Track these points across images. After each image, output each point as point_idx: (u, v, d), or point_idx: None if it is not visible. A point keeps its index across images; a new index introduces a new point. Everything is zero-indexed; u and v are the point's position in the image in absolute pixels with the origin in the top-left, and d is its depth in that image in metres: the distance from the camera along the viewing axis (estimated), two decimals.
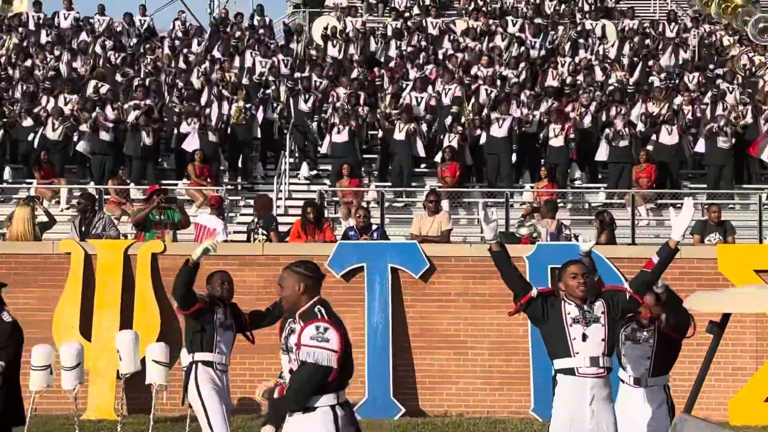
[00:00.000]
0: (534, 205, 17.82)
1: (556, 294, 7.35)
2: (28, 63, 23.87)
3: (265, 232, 14.40)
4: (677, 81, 23.25)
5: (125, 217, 17.35)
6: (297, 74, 23.68)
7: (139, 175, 19.84)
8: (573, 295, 7.28)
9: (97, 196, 16.54)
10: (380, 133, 21.05)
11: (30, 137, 20.50)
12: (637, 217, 18.57)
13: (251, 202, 19.12)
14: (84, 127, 20.34)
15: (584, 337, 7.15)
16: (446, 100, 21.63)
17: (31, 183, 20.01)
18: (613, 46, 25.53)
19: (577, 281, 7.27)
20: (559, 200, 18.46)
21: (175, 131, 20.71)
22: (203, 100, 21.83)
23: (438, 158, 19.92)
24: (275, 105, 21.87)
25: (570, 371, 7.19)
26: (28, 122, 20.83)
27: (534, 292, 7.35)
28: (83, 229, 14.22)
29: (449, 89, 21.74)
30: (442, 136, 20.62)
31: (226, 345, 9.09)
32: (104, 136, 20.17)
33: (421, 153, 20.43)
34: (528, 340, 13.14)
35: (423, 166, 21.20)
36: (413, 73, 23.19)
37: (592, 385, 7.16)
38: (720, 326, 5.08)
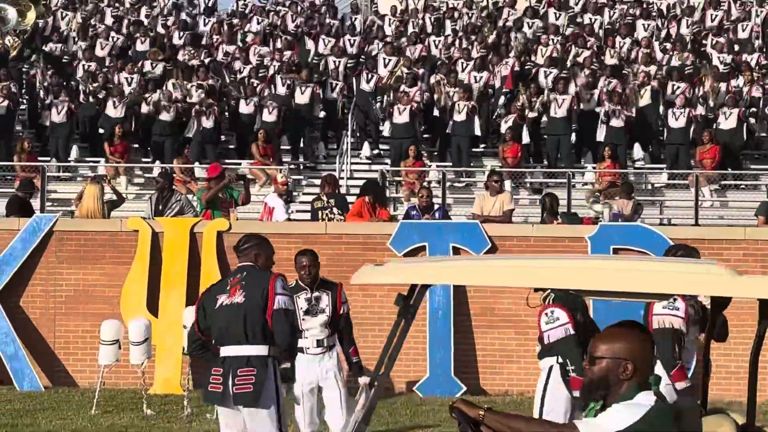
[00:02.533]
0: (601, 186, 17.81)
1: None
2: (91, 42, 24.19)
3: (340, 211, 14.46)
4: (739, 60, 22.97)
5: (190, 195, 17.61)
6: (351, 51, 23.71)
7: (200, 155, 20.10)
8: None
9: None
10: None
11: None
12: (700, 198, 18.45)
13: (313, 181, 19.29)
14: (144, 108, 20.66)
15: None
16: (498, 83, 21.61)
17: (98, 162, 20.36)
18: (674, 24, 25.25)
19: None
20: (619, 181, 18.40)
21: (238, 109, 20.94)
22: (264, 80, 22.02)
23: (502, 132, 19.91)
24: (336, 84, 21.97)
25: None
26: (92, 99, 21.17)
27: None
28: (159, 207, 14.45)
29: (505, 76, 21.70)
30: (500, 117, 20.63)
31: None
32: (165, 116, 20.44)
33: (478, 132, 20.44)
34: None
35: (482, 146, 21.24)
36: (474, 53, 23.16)
37: None
38: (406, 299, 4.91)
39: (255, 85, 21.34)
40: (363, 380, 7.57)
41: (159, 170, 19.31)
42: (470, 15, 25.66)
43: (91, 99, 21.19)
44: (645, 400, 4.37)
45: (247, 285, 7.42)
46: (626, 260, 4.96)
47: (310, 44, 24.23)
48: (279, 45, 23.82)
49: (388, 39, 24.05)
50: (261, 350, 7.28)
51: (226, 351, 7.31)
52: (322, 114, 21.49)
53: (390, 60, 22.49)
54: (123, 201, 15.71)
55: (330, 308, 8.95)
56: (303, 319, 8.79)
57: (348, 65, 22.58)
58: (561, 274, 4.58)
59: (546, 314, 7.92)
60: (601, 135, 20.12)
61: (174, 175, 18.09)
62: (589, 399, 4.49)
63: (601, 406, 4.46)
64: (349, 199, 17.27)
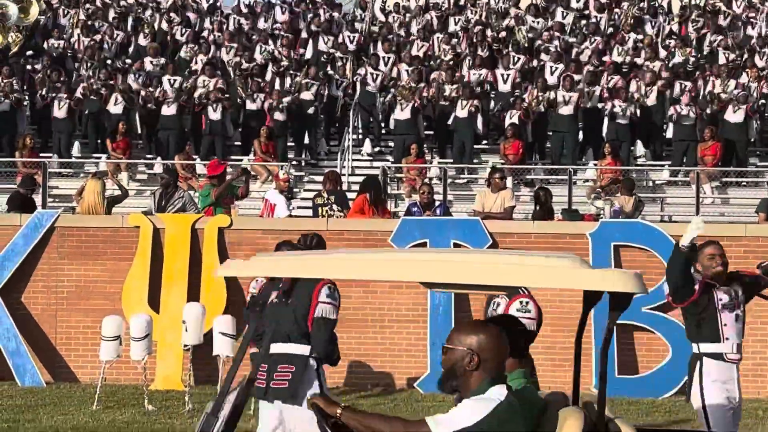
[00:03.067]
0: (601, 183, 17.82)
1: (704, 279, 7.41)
2: (97, 38, 24.20)
3: (340, 208, 14.49)
4: (745, 58, 22.97)
5: (192, 192, 17.63)
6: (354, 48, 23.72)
7: (208, 151, 20.14)
8: (710, 276, 7.37)
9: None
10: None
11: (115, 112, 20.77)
12: (701, 195, 18.46)
13: (315, 178, 19.31)
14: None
15: (735, 320, 7.34)
16: (506, 87, 21.59)
17: (99, 158, 20.39)
18: (678, 22, 25.26)
19: (714, 261, 7.38)
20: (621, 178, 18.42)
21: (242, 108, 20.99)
22: (268, 76, 22.04)
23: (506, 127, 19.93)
24: (339, 82, 21.99)
25: (718, 356, 7.36)
26: (95, 96, 21.20)
27: (697, 288, 7.38)
28: (162, 203, 14.46)
29: (508, 74, 21.70)
30: (503, 114, 20.65)
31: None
32: (166, 111, 20.47)
33: (480, 129, 20.46)
34: (590, 317, 13.15)
35: (484, 142, 21.26)
36: (479, 50, 23.16)
37: (735, 370, 7.40)
38: (286, 293, 5.01)
39: (260, 82, 21.35)
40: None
41: (161, 166, 19.36)
42: (475, 12, 25.65)
43: (92, 96, 21.20)
44: (496, 394, 4.40)
45: (299, 286, 7.48)
46: (486, 254, 5.04)
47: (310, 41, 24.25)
48: (284, 42, 23.82)
49: (390, 37, 24.05)
50: (303, 350, 7.38)
51: (273, 348, 7.44)
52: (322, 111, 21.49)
53: (389, 57, 22.50)
54: (126, 195, 15.72)
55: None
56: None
57: (352, 62, 22.60)
58: (421, 267, 4.61)
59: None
60: (605, 131, 20.14)
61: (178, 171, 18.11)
62: (443, 390, 4.53)
63: (457, 399, 4.48)
64: (350, 195, 17.30)
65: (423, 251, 5.42)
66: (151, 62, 22.65)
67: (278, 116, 20.42)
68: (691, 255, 7.41)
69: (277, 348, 7.42)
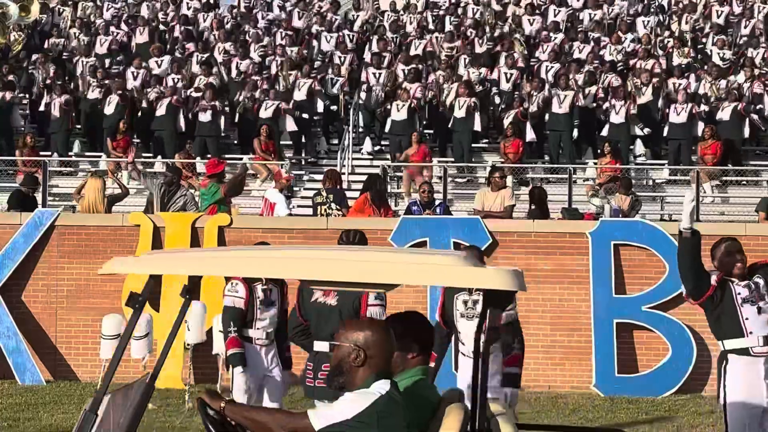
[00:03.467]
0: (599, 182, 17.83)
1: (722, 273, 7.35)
2: (89, 38, 24.20)
3: (338, 206, 14.52)
4: (741, 57, 22.97)
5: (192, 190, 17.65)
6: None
7: (202, 150, 20.15)
8: (730, 273, 7.30)
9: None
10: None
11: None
12: (701, 194, 18.47)
13: (315, 176, 19.32)
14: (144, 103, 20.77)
15: (758, 313, 7.23)
16: (508, 85, 21.61)
17: (99, 156, 20.40)
18: (675, 20, 25.25)
19: (733, 258, 7.33)
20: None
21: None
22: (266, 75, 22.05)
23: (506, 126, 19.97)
24: (336, 80, 21.98)
25: (744, 351, 7.24)
26: (94, 95, 21.20)
27: (714, 282, 7.32)
28: (165, 200, 14.46)
29: (511, 73, 21.71)
30: (501, 112, 20.67)
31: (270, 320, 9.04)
32: (160, 111, 20.47)
33: (478, 128, 20.48)
34: (590, 315, 13.18)
35: (484, 141, 21.26)
36: (477, 48, 23.16)
37: (764, 362, 7.25)
38: (188, 291, 5.03)
39: (255, 81, 21.36)
40: (287, 374, 9.04)
41: (161, 165, 19.37)
42: (474, 11, 25.65)
43: (89, 95, 21.21)
44: (378, 388, 4.44)
45: None
46: (370, 251, 5.08)
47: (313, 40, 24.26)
48: (279, 41, 23.81)
49: (387, 36, 24.06)
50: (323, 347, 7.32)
51: (317, 346, 7.43)
52: (320, 109, 21.47)
53: (386, 56, 22.51)
54: (127, 194, 15.71)
55: (279, 302, 9.05)
56: (259, 309, 8.92)
57: (351, 62, 22.60)
58: (302, 265, 4.67)
59: None
60: (604, 130, 20.17)
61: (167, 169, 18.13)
62: (330, 387, 4.57)
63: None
64: (350, 194, 17.31)
65: (312, 249, 5.47)
66: (157, 62, 22.64)
67: (263, 113, 20.33)
68: (695, 240, 7.30)
69: (321, 347, 7.37)
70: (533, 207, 14.61)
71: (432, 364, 7.35)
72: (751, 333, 7.19)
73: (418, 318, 5.11)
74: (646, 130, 20.38)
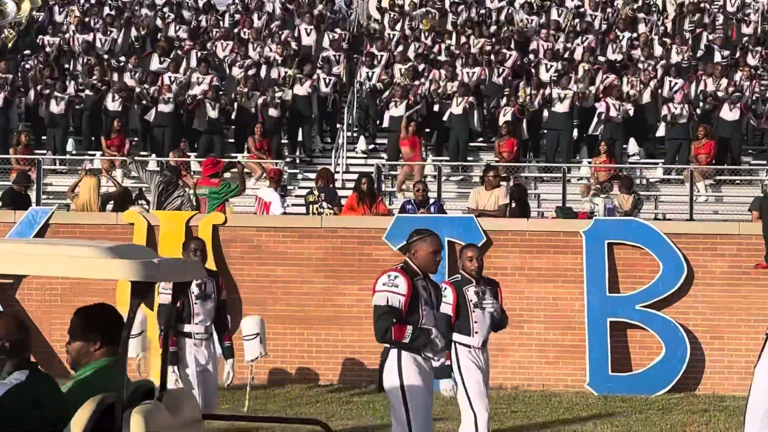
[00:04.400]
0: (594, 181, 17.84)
1: None
2: (89, 36, 24.18)
3: (330, 205, 14.55)
4: (738, 56, 22.99)
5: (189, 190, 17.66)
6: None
7: (206, 149, 20.16)
8: None
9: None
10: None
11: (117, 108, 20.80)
12: (695, 193, 18.50)
13: (309, 175, 19.33)
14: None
15: None
16: (499, 80, 21.62)
17: (94, 155, 20.38)
18: (672, 20, 25.27)
19: None
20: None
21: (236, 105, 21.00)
22: (262, 74, 22.04)
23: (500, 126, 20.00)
24: (331, 80, 21.96)
25: None
26: (90, 93, 21.19)
27: None
28: (162, 199, 14.46)
29: (503, 69, 21.72)
30: (497, 111, 20.68)
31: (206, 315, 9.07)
32: (163, 108, 20.48)
33: (477, 127, 20.49)
34: (584, 314, 13.20)
35: (480, 140, 21.28)
36: (473, 48, 23.17)
37: None
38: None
39: (256, 80, 21.36)
40: (230, 363, 9.25)
41: (155, 163, 19.35)
42: (471, 10, 25.66)
43: (88, 93, 21.19)
44: (15, 378, 4.67)
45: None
46: (15, 243, 5.23)
47: (305, 37, 24.21)
48: (277, 40, 23.80)
49: (385, 35, 24.06)
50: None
51: None
52: (315, 109, 21.49)
53: (382, 55, 22.51)
54: (123, 191, 15.68)
55: (215, 295, 9.14)
56: (195, 303, 8.97)
57: (350, 59, 22.62)
58: None
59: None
60: (598, 130, 20.20)
61: (162, 167, 18.14)
62: None
63: None
64: (346, 193, 17.32)
65: None
66: (160, 61, 22.64)
67: (272, 112, 20.42)
68: None
69: None
70: (513, 206, 14.64)
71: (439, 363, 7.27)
72: None
73: (104, 310, 5.21)
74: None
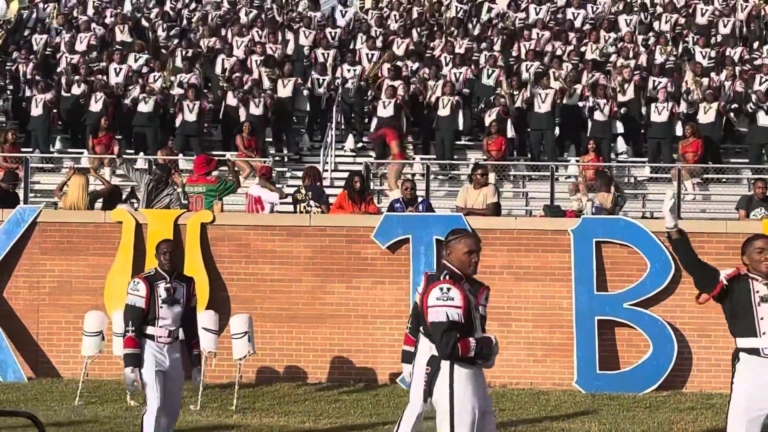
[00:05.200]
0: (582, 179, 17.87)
1: (741, 271, 7.16)
2: (72, 35, 24.10)
3: (317, 204, 14.56)
4: (722, 55, 23.05)
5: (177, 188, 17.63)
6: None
7: (185, 147, 20.14)
8: (758, 271, 7.09)
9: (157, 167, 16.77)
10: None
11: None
12: (683, 191, 18.56)
13: (297, 173, 19.32)
14: (127, 100, 20.74)
15: (765, 313, 7.01)
16: (489, 81, 21.65)
17: (81, 153, 20.34)
18: (656, 19, 25.33)
19: (763, 256, 7.09)
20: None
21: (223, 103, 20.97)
22: (250, 72, 22.02)
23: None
24: (320, 78, 21.96)
25: (754, 351, 7.06)
26: (75, 91, 21.13)
27: (723, 279, 7.14)
28: (151, 197, 14.44)
29: (492, 71, 21.75)
30: (484, 111, 20.72)
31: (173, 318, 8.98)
32: (143, 107, 20.44)
33: (461, 126, 20.53)
34: (572, 313, 13.23)
35: (467, 139, 21.31)
36: (457, 47, 23.19)
37: None
38: None
39: (241, 77, 21.34)
40: (197, 370, 9.25)
41: (143, 162, 19.32)
42: (458, 9, 25.68)
43: (72, 91, 21.14)
44: None
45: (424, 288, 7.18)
46: None
47: (289, 36, 24.19)
48: (257, 38, 23.76)
49: (372, 33, 24.06)
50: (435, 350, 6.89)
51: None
52: (307, 107, 21.48)
53: (373, 54, 22.53)
54: (111, 188, 15.64)
55: (184, 300, 9.05)
56: (161, 307, 8.88)
57: (335, 58, 22.59)
58: None
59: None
60: (586, 129, 20.27)
61: (150, 166, 18.12)
62: None
63: None
64: (335, 191, 17.32)
65: None
66: (135, 58, 22.59)
67: (254, 110, 20.38)
68: (683, 237, 7.26)
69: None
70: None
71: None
72: (764, 334, 7.00)
73: None
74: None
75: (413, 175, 18.96)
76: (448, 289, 6.66)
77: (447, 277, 6.76)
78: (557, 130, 20.68)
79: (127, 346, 8.82)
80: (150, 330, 8.87)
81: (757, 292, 7.07)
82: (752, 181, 17.14)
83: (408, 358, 8.91)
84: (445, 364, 6.73)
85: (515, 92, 20.65)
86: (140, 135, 20.47)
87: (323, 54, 22.75)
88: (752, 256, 7.15)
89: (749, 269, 7.17)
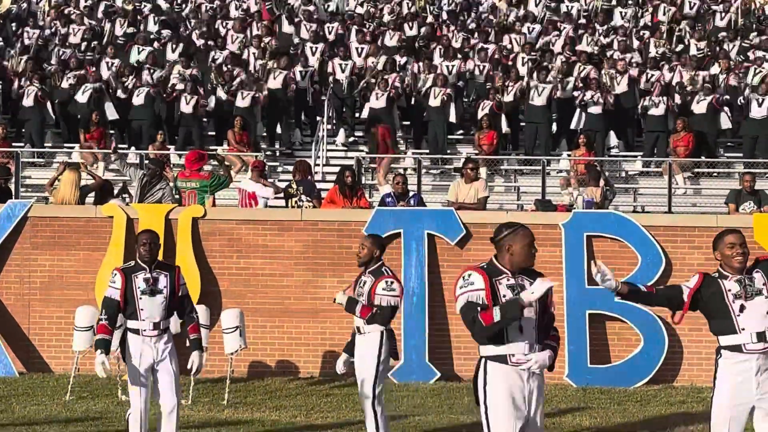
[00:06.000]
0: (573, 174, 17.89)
1: (711, 273, 7.12)
2: (65, 28, 24.06)
3: (308, 198, 14.56)
4: (717, 49, 23.08)
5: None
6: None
7: (185, 141, 20.12)
8: (730, 266, 7.06)
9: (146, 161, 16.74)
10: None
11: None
12: (674, 185, 18.59)
13: (289, 168, 19.32)
14: (121, 93, 20.69)
15: (742, 310, 6.98)
16: (481, 78, 21.67)
17: (72, 147, 20.30)
18: (650, 11, 25.34)
19: (735, 251, 7.03)
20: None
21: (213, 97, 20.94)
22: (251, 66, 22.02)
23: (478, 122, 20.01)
24: (307, 72, 21.92)
25: (736, 348, 7.04)
26: (65, 84, 21.09)
27: (686, 298, 7.10)
28: (144, 192, 14.40)
29: (484, 65, 21.76)
30: (476, 104, 20.72)
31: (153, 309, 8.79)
32: (137, 101, 20.42)
33: (453, 119, 20.52)
34: (563, 307, 13.24)
35: (459, 132, 21.31)
36: (453, 41, 23.19)
37: (757, 359, 7.01)
38: None
39: (233, 71, 21.31)
40: (195, 354, 8.91)
41: (135, 156, 19.30)
42: (450, 2, 25.68)
43: (64, 84, 21.10)
44: None
45: None
46: None
47: (287, 28, 24.16)
48: (255, 31, 23.75)
49: (364, 25, 24.04)
50: (481, 351, 6.68)
51: None
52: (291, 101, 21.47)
53: (363, 48, 22.50)
54: (101, 183, 15.59)
55: (168, 290, 8.81)
56: (140, 299, 8.72)
57: (324, 52, 22.57)
58: None
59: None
60: (577, 122, 20.25)
61: (141, 160, 18.10)
62: None
63: None
64: (326, 186, 17.32)
65: None
66: (138, 51, 22.56)
67: (240, 102, 20.35)
68: (631, 288, 7.22)
69: None
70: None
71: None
72: (743, 330, 6.99)
73: None
74: None
75: (405, 169, 18.96)
76: (469, 275, 6.55)
77: (479, 266, 6.58)
78: (554, 126, 20.68)
79: (98, 332, 8.76)
80: (133, 324, 8.72)
81: (730, 290, 7.04)
82: (742, 175, 17.18)
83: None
84: (480, 364, 6.59)
85: (510, 84, 20.59)
86: (135, 129, 20.44)
87: (311, 48, 22.71)
88: (724, 252, 7.11)
89: (721, 265, 7.15)
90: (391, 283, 8.87)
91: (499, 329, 6.42)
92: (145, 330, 8.73)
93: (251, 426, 10.55)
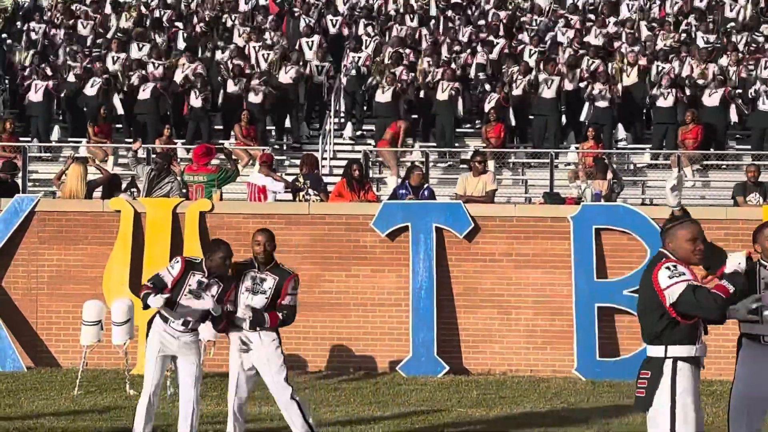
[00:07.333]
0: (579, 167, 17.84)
1: (753, 257, 6.83)
2: (72, 22, 24.06)
3: (315, 192, 14.54)
4: (725, 41, 23.01)
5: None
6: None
7: (194, 135, 20.11)
8: None
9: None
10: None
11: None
12: (682, 178, 18.51)
13: (296, 161, 19.31)
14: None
15: None
16: (488, 70, 21.63)
17: (79, 142, 20.30)
18: (658, 4, 25.27)
19: None
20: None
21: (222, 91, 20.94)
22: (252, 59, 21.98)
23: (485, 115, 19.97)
24: (324, 67, 21.91)
25: (756, 338, 7.02)
26: (72, 78, 21.10)
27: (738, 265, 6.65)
28: (152, 186, 14.39)
29: (492, 59, 21.72)
30: (484, 97, 20.68)
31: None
32: (143, 95, 20.42)
33: (461, 112, 20.50)
34: (572, 300, 13.21)
35: (467, 126, 21.27)
36: (461, 35, 23.16)
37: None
38: None
39: (241, 65, 21.30)
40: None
41: (142, 150, 19.29)
42: None
43: (71, 79, 21.11)
44: None
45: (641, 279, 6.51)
46: None
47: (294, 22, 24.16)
48: (263, 25, 23.73)
49: (372, 18, 24.02)
50: (657, 351, 6.45)
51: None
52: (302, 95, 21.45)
53: (371, 41, 22.46)
54: (109, 177, 15.58)
55: (214, 299, 8.73)
56: (185, 295, 8.69)
57: (325, 45, 22.56)
58: None
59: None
60: (587, 115, 20.19)
61: (148, 154, 18.10)
62: None
63: None
64: (334, 179, 17.30)
65: None
66: (138, 47, 22.54)
67: (252, 98, 20.34)
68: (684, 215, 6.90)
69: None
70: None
71: None
72: (767, 321, 6.92)
73: None
74: None
75: (412, 162, 18.93)
76: (675, 267, 6.20)
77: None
78: (563, 119, 20.63)
79: (144, 290, 8.74)
80: (167, 313, 8.71)
81: (763, 278, 6.97)
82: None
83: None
84: (668, 364, 6.29)
85: (520, 77, 20.53)
86: (141, 123, 20.45)
87: (309, 42, 22.66)
88: (764, 244, 7.06)
89: (762, 257, 7.06)
90: (297, 280, 8.81)
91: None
92: (173, 323, 8.78)
93: (259, 420, 10.53)
